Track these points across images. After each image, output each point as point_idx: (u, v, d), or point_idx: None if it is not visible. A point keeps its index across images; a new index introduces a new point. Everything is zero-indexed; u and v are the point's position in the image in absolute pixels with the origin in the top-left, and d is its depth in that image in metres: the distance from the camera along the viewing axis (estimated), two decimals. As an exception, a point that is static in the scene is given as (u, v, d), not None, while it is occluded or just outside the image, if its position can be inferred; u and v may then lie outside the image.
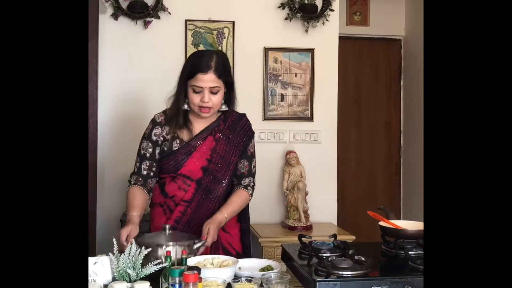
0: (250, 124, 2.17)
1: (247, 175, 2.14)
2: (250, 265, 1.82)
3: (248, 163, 2.14)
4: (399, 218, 4.53)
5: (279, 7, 3.55)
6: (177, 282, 1.46)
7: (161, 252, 1.71)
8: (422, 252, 1.83)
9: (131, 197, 2.04)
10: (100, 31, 3.20)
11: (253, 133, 2.17)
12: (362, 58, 4.76)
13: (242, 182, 2.13)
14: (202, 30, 3.48)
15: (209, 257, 1.81)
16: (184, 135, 2.06)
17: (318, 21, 3.56)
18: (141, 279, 1.56)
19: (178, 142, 2.05)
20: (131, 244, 1.65)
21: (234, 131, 2.11)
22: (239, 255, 2.04)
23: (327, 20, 3.57)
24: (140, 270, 1.57)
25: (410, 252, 1.81)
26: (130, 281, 1.56)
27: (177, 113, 2.04)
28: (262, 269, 1.77)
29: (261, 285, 1.61)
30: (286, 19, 3.56)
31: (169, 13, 3.42)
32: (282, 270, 1.79)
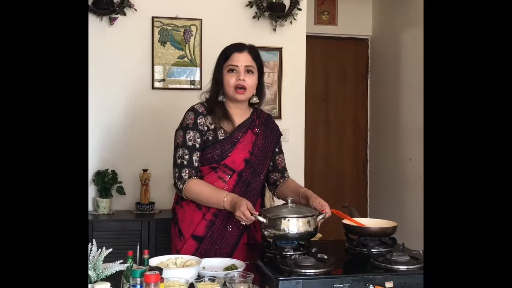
0: (277, 125, 2.24)
1: (286, 168, 2.26)
2: (215, 265, 1.81)
3: (283, 158, 2.26)
4: (365, 216, 4.57)
5: (247, 5, 3.54)
6: (138, 282, 1.44)
7: (284, 225, 1.81)
8: (385, 250, 1.86)
9: (204, 185, 1.98)
10: (64, 27, 3.13)
11: (281, 133, 2.25)
12: (330, 57, 4.79)
13: (285, 174, 2.25)
14: (169, 28, 3.45)
15: (172, 257, 1.79)
16: (226, 127, 2.06)
17: (286, 20, 3.57)
18: (102, 279, 1.54)
19: (222, 132, 2.04)
20: (258, 215, 1.82)
21: (267, 127, 2.17)
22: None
23: (294, 19, 3.59)
24: (100, 271, 1.54)
25: (372, 250, 1.84)
26: (90, 282, 1.53)
27: (216, 103, 2.06)
28: (226, 268, 1.77)
29: (224, 284, 1.60)
30: (254, 17, 3.55)
31: (135, 9, 3.37)
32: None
